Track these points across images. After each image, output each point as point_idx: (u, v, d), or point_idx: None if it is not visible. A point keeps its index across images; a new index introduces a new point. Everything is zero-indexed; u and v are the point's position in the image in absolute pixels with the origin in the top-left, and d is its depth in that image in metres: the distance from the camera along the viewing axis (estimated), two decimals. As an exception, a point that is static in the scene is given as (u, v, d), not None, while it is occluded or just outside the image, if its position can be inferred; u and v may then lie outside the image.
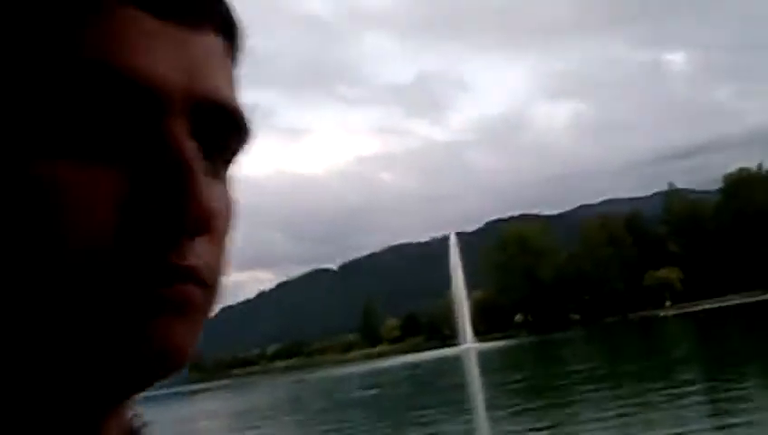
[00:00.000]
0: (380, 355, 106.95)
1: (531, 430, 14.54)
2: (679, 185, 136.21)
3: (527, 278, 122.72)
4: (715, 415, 13.32)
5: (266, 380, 67.72)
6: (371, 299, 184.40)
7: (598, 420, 14.62)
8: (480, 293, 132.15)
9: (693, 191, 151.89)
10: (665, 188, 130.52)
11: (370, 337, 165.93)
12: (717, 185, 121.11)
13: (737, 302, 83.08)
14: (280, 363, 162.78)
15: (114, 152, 0.37)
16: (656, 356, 29.95)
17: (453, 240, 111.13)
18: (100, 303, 0.36)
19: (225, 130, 0.41)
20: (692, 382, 18.93)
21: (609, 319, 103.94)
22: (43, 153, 0.36)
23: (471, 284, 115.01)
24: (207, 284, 0.40)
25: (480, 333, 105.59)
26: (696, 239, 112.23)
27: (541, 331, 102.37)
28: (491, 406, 20.90)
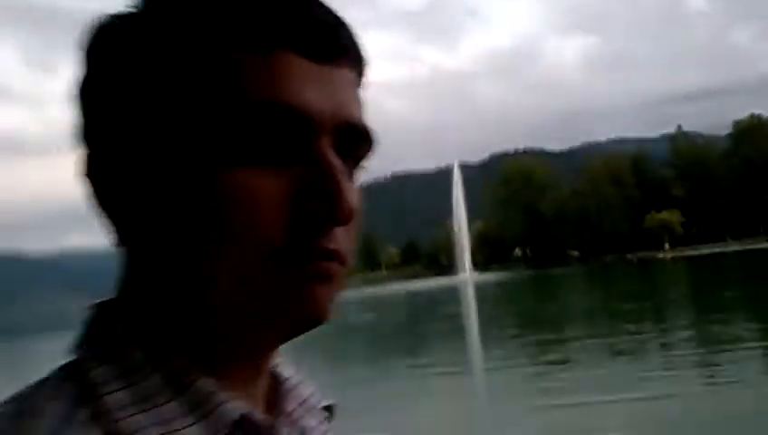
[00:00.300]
0: (379, 281, 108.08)
1: (523, 361, 14.83)
2: (688, 128, 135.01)
3: (528, 213, 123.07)
4: (700, 354, 13.78)
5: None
6: (372, 226, 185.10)
7: (588, 353, 14.97)
8: (481, 224, 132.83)
9: (701, 135, 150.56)
10: (673, 130, 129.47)
11: (370, 263, 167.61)
12: (727, 130, 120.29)
13: (736, 248, 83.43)
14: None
15: (280, 163, 0.52)
16: (650, 297, 30.29)
17: (456, 171, 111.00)
18: (272, 272, 0.51)
19: (358, 143, 0.56)
20: (682, 325, 19.32)
21: (607, 258, 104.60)
22: (229, 162, 0.51)
23: (472, 215, 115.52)
24: (344, 261, 0.54)
25: (478, 265, 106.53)
26: (700, 184, 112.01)
27: (539, 265, 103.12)
28: (486, 337, 21.28)
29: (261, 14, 0.52)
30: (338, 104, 0.53)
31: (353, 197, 0.52)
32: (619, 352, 14.75)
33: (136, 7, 0.54)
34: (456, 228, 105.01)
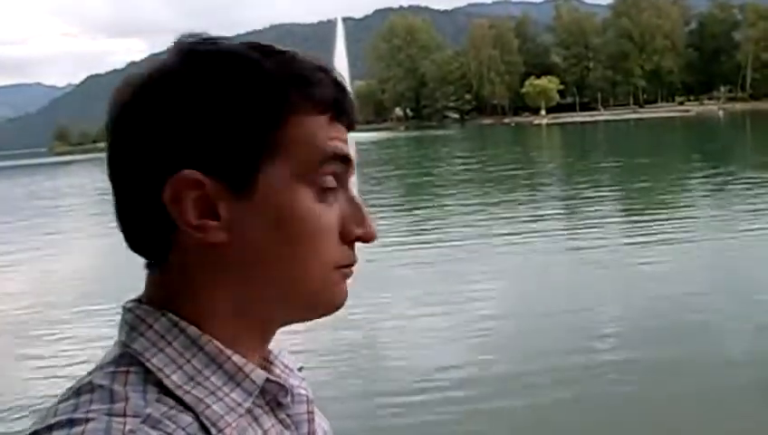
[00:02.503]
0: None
1: (400, 224, 14.35)
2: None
3: (410, 72, 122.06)
4: (564, 215, 14.53)
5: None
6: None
7: (462, 215, 15.27)
8: (362, 83, 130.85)
9: (584, 3, 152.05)
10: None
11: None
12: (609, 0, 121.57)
13: (607, 118, 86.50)
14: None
15: (334, 200, 0.70)
16: (526, 163, 30.82)
17: (339, 25, 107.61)
18: (328, 276, 0.70)
19: (350, 170, 0.74)
20: (549, 189, 20.00)
21: (485, 121, 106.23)
22: (313, 197, 0.68)
23: (354, 73, 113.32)
24: None
25: (358, 123, 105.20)
26: (578, 53, 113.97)
27: (419, 126, 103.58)
28: (365, 200, 20.64)
29: (338, 95, 0.71)
30: (348, 150, 0.73)
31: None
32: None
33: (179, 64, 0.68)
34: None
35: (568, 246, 11.36)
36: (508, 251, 11.04)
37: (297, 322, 0.73)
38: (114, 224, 0.63)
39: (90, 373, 0.65)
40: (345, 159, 0.70)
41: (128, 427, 0.58)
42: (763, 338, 6.60)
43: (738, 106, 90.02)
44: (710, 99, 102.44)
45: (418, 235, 13.27)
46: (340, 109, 0.71)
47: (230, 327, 0.69)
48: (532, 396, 5.55)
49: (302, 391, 0.75)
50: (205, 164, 0.65)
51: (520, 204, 16.91)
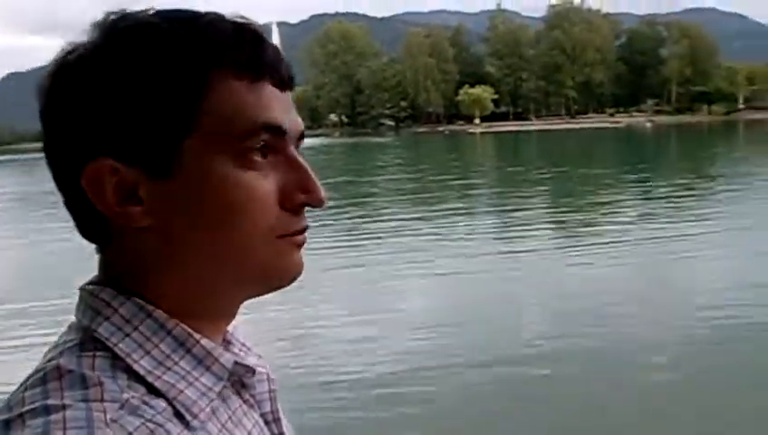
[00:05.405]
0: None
1: (335, 232, 14.07)
2: (509, 7, 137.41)
3: (346, 78, 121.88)
4: (496, 221, 14.29)
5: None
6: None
7: (399, 222, 15.15)
8: (297, 89, 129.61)
9: (519, 15, 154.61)
10: (494, 7, 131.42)
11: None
12: (543, 12, 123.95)
13: (539, 128, 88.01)
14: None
15: (269, 167, 0.68)
16: (461, 168, 31.07)
17: (274, 30, 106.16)
18: (271, 246, 0.68)
19: (300, 141, 0.73)
20: (481, 196, 20.11)
21: (420, 128, 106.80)
22: (240, 167, 0.66)
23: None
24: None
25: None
26: (512, 64, 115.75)
27: (354, 133, 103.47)
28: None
29: (251, 53, 0.67)
30: (294, 119, 0.71)
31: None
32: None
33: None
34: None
35: (499, 251, 11.44)
36: (442, 260, 10.97)
37: (258, 295, 0.71)
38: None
39: (48, 360, 0.62)
40: (276, 128, 0.67)
41: (108, 415, 0.56)
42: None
43: (664, 119, 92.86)
44: (638, 111, 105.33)
45: (351, 242, 13.00)
46: (258, 68, 0.67)
47: (192, 309, 0.67)
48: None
49: (262, 370, 0.74)
50: (118, 150, 0.63)
51: (454, 213, 16.84)
